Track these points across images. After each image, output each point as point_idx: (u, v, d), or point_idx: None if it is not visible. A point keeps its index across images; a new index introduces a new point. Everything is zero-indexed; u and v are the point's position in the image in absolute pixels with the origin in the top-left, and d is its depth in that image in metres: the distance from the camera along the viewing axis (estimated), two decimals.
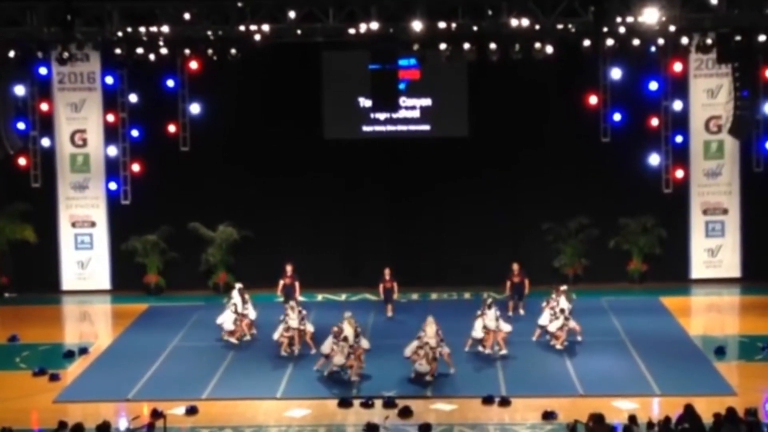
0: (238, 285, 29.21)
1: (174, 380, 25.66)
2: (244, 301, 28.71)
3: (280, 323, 27.33)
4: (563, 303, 27.73)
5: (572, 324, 27.59)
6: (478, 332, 27.04)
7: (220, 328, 28.58)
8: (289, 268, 30.20)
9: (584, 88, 34.22)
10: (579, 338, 27.65)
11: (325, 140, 34.54)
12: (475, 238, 33.77)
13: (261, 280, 30.68)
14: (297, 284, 30.19)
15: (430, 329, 25.57)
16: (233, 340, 28.38)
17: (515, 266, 30.17)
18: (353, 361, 25.38)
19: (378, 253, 33.32)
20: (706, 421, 19.19)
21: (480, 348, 26.98)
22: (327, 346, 25.64)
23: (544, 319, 27.82)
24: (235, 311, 28.41)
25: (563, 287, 28.50)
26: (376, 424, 22.01)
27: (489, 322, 26.90)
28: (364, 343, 25.98)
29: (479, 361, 26.50)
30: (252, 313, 28.96)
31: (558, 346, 27.34)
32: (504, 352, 26.89)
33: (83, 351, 28.24)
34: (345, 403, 23.74)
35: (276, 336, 27.34)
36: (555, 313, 27.56)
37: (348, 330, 25.73)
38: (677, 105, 34.41)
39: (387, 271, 30.49)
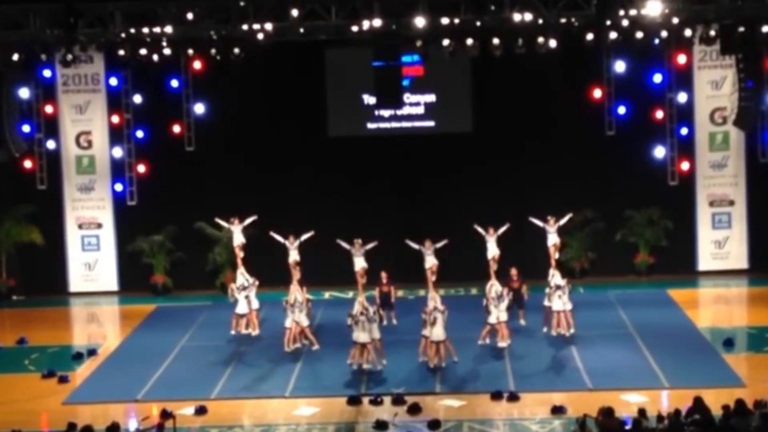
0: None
1: (183, 380, 25.69)
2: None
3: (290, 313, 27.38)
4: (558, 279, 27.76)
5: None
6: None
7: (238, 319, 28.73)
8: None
9: (588, 81, 34.23)
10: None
11: (330, 138, 34.58)
12: (481, 233, 33.73)
13: (268, 279, 30.61)
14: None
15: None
16: (245, 331, 28.48)
17: (513, 271, 28.86)
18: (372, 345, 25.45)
19: (384, 250, 33.27)
20: (715, 414, 19.16)
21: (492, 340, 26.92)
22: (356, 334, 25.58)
23: (557, 303, 27.50)
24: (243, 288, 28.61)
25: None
26: (386, 421, 22.07)
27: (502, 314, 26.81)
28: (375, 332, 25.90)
29: (487, 357, 26.49)
30: (255, 303, 28.93)
31: (562, 332, 27.27)
32: (503, 344, 26.72)
33: (92, 352, 28.29)
34: (354, 401, 23.75)
35: (288, 323, 27.39)
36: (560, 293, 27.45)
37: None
38: (682, 97, 34.39)
39: (384, 275, 29.60)
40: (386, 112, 34.42)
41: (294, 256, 29.19)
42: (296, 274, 28.61)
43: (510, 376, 25.10)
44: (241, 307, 28.59)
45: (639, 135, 34.26)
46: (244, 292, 28.59)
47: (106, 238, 35.29)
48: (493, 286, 27.46)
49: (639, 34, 29.40)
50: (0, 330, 32.08)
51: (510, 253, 29.71)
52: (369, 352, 25.41)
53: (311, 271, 30.25)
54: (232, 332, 28.65)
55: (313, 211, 34.27)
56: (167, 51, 30.37)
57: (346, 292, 32.08)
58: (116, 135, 35.10)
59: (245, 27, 29.36)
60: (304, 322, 27.51)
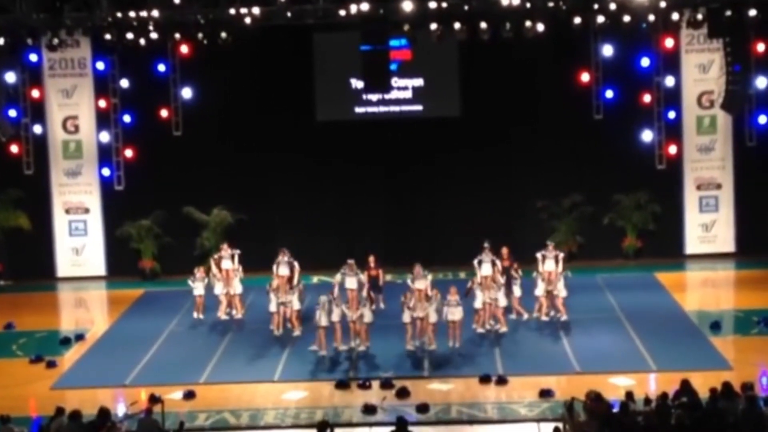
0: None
1: (171, 365, 25.70)
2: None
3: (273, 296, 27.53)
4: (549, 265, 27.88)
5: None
6: (478, 303, 26.98)
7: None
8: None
9: (576, 65, 34.21)
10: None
11: (318, 122, 34.53)
12: (469, 218, 33.78)
13: (256, 263, 30.60)
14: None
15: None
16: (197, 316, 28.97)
17: (504, 250, 28.61)
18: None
19: (373, 234, 33.36)
20: (702, 396, 19.23)
21: (474, 325, 27.01)
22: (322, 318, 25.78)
23: (539, 289, 27.88)
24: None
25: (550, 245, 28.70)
26: (374, 405, 22.10)
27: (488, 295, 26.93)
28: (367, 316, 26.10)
29: (476, 341, 26.54)
30: (238, 288, 29.07)
31: (543, 318, 27.59)
32: (504, 329, 26.97)
33: (80, 337, 28.28)
34: (342, 385, 23.78)
35: (272, 308, 27.55)
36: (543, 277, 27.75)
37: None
38: (669, 81, 34.41)
39: (372, 258, 29.20)
40: (374, 96, 34.37)
41: (296, 305, 27.77)
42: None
43: (498, 360, 25.15)
44: (197, 290, 29.00)
45: (626, 119, 34.28)
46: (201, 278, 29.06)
47: (93, 223, 35.21)
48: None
49: (626, 18, 29.45)
50: None
51: (500, 236, 29.75)
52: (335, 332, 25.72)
53: (299, 255, 30.24)
54: (221, 316, 28.89)
55: (301, 195, 34.35)
56: (154, 35, 30.32)
57: (334, 276, 32.04)
58: (103, 119, 34.99)
59: (232, 11, 29.32)
60: (296, 305, 27.52)
